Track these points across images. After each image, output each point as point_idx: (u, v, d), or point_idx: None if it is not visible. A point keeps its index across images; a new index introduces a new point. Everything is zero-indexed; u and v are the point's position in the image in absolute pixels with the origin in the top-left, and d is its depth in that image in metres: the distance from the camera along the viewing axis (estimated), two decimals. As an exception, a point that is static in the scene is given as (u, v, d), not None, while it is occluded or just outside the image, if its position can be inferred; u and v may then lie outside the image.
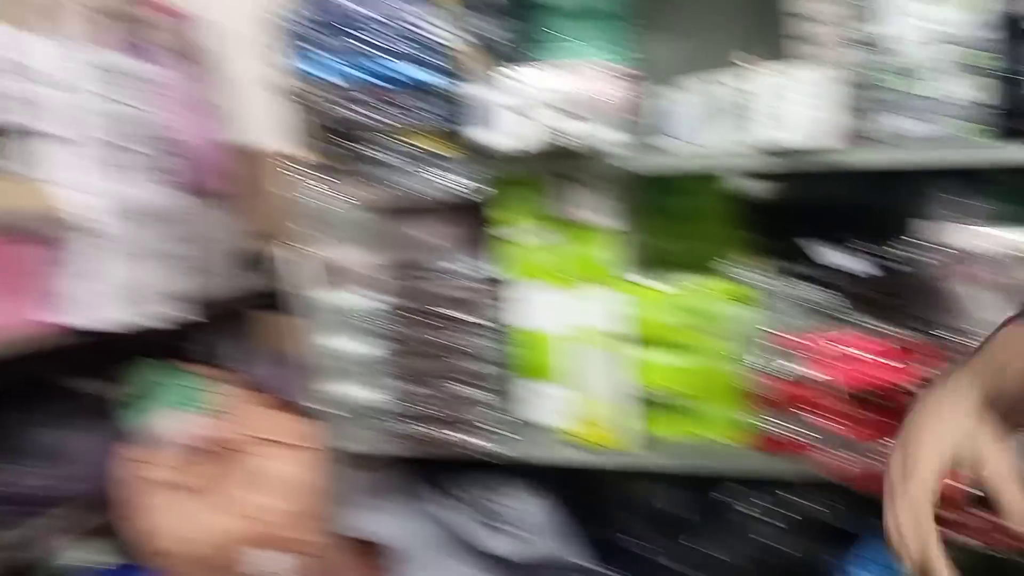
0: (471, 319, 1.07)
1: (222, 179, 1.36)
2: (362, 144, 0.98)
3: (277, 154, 1.29)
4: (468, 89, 0.97)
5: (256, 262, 1.43)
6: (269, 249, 1.43)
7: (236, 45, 1.39)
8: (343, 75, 0.95)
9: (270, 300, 1.40)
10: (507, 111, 0.95)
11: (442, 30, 0.96)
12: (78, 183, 1.04)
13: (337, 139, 0.99)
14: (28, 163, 1.00)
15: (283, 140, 1.06)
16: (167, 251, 1.19)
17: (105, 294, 1.08)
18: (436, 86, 0.96)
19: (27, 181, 1.00)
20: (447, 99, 0.97)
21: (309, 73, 0.97)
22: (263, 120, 1.36)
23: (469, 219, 1.09)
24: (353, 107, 0.96)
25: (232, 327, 1.44)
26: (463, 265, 1.08)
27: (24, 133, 0.99)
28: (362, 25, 0.94)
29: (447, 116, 0.97)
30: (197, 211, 1.28)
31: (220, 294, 1.33)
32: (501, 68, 0.97)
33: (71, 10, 1.08)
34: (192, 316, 1.24)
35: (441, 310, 1.07)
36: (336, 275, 1.14)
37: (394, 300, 1.08)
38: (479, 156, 0.99)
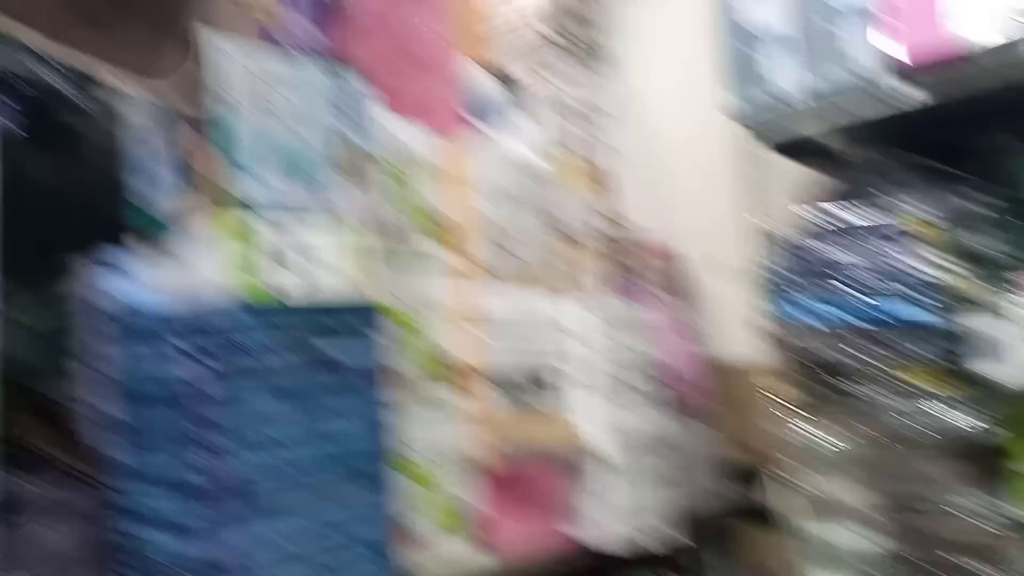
0: (994, 572, 0.93)
1: (704, 397, 1.46)
2: (849, 382, 0.98)
3: (756, 374, 1.34)
4: (968, 321, 0.91)
5: (739, 476, 1.47)
6: (752, 462, 1.46)
7: (715, 275, 1.53)
8: (824, 319, 0.98)
9: (755, 514, 1.41)
10: (1019, 342, 0.86)
11: (929, 264, 0.93)
12: (592, 417, 1.23)
13: (821, 377, 1.00)
14: (557, 403, 1.22)
15: (762, 364, 1.11)
16: (661, 472, 1.30)
17: (611, 515, 1.22)
18: (929, 322, 0.92)
19: (557, 418, 1.21)
20: (943, 334, 0.91)
21: (789, 315, 1.02)
22: (741, 339, 1.45)
23: (982, 452, 0.98)
24: (837, 348, 0.97)
25: (717, 539, 1.47)
26: (979, 505, 0.96)
27: (555, 378, 1.22)
28: (843, 270, 0.97)
29: (945, 351, 0.91)
30: (683, 430, 1.38)
31: (706, 509, 1.39)
32: (1006, 290, 0.89)
33: (587, 272, 1.33)
34: (681, 534, 1.31)
35: (954, 558, 0.95)
36: (825, 508, 1.11)
37: (894, 543, 1.00)
38: (988, 391, 0.89)
